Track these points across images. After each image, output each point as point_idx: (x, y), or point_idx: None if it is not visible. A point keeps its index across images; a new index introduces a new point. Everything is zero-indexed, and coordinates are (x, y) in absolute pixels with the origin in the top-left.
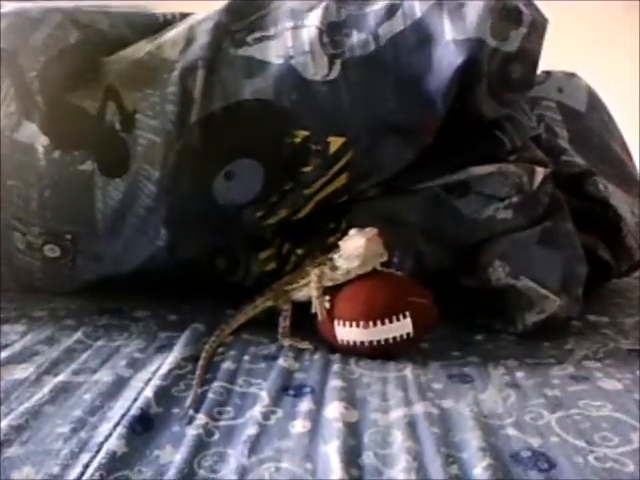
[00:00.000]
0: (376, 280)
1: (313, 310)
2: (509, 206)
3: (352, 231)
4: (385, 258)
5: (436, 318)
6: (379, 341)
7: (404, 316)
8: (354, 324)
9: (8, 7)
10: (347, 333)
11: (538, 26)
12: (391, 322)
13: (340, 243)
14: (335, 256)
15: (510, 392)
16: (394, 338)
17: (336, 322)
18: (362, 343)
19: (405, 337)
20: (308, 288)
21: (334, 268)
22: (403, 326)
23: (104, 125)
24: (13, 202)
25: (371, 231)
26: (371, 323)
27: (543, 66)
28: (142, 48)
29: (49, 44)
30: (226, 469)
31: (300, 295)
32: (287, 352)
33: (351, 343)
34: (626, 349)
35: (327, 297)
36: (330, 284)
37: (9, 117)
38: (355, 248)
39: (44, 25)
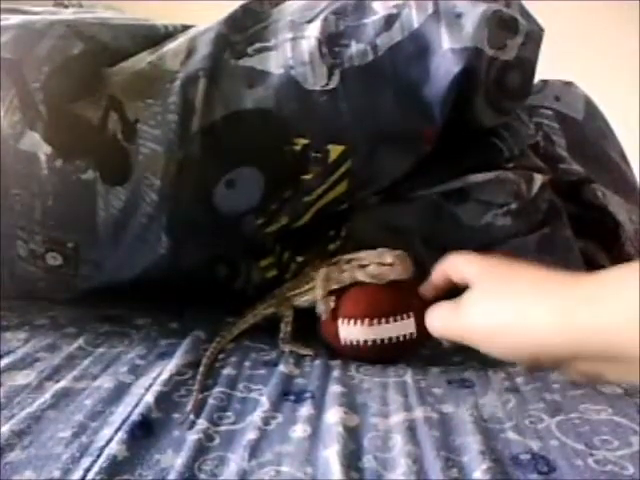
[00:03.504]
0: None
1: (317, 310)
2: (507, 213)
3: (389, 256)
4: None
5: None
6: (382, 340)
7: (408, 316)
8: (358, 322)
9: (13, 18)
10: (351, 331)
11: (534, 35)
12: (395, 321)
13: (365, 256)
14: (347, 265)
15: (510, 397)
16: (397, 338)
17: (340, 321)
18: (365, 342)
19: (408, 337)
20: (311, 294)
21: (341, 271)
22: (406, 326)
23: (106, 134)
24: (16, 211)
25: (404, 259)
26: (375, 321)
27: (540, 75)
28: (144, 59)
29: (53, 55)
30: (226, 473)
31: (302, 301)
32: (288, 358)
33: (354, 342)
34: None
35: (332, 297)
36: (336, 287)
37: (13, 126)
38: (380, 272)
39: (48, 37)
